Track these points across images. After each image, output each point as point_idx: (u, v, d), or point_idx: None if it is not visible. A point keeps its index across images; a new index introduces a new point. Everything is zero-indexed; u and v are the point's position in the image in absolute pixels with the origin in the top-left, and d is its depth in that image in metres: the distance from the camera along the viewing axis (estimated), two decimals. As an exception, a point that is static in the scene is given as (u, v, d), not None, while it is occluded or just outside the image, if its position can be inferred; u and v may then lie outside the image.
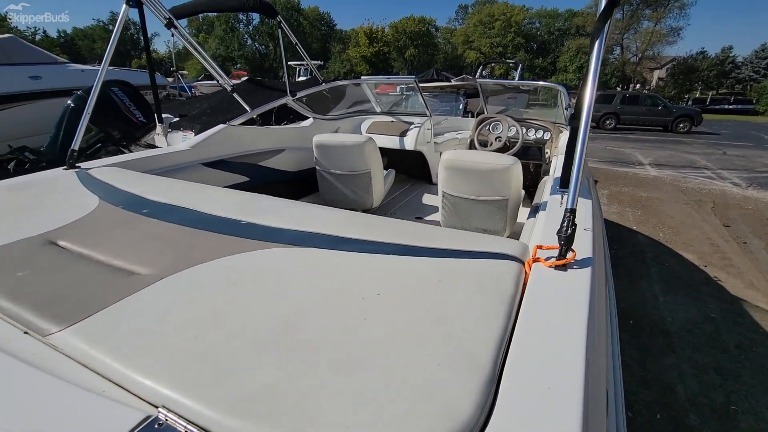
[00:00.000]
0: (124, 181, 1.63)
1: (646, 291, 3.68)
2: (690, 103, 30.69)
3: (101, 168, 1.85)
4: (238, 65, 45.61)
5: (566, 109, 2.91)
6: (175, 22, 2.10)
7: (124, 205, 1.35)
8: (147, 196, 1.45)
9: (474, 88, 3.67)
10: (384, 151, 4.15)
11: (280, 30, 4.67)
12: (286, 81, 4.05)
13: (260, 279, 0.91)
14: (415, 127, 3.75)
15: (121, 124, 4.05)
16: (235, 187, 2.64)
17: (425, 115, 3.88)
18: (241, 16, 46.04)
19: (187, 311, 0.79)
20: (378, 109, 4.19)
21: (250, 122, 2.89)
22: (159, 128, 4.16)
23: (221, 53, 43.59)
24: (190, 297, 0.84)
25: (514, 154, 3.22)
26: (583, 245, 1.04)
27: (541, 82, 3.44)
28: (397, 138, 3.74)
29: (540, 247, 1.01)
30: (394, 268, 0.96)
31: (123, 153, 3.92)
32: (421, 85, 6.92)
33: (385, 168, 4.67)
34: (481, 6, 49.38)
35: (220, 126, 2.64)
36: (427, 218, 3.33)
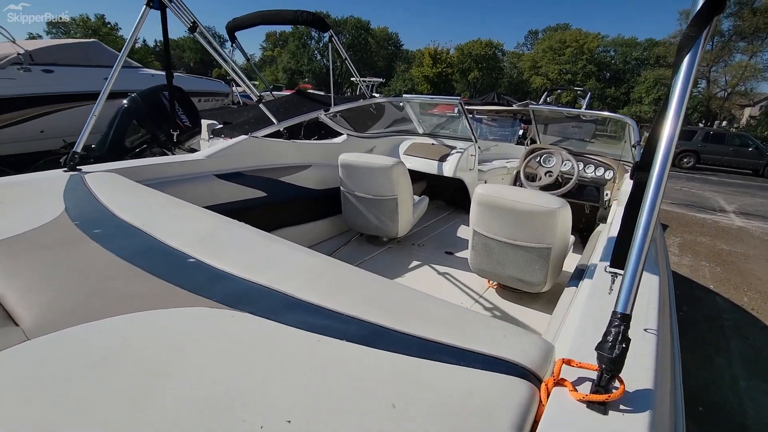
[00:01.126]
0: (107, 191, 1.49)
1: (724, 371, 3.01)
2: (788, 145, 27.18)
3: (99, 173, 1.74)
4: (306, 79, 47.88)
5: (634, 147, 2.46)
6: (200, 26, 2.01)
7: (82, 220, 1.19)
8: (115, 211, 1.28)
9: (538, 114, 3.29)
10: (421, 176, 3.87)
11: (330, 44, 4.61)
12: (332, 95, 3.92)
13: (151, 360, 0.66)
14: (457, 152, 3.43)
15: (166, 127, 4.13)
16: (250, 202, 2.49)
17: (470, 140, 3.55)
18: (313, 33, 48.51)
19: (19, 411, 0.55)
20: (420, 130, 3.92)
21: (277, 135, 2.75)
22: (204, 133, 4.20)
23: (291, 66, 46.07)
24: (38, 380, 0.60)
25: (566, 194, 2.79)
26: (641, 368, 0.68)
27: (606, 113, 2.99)
28: (436, 162, 3.44)
29: (569, 363, 0.66)
30: (337, 363, 0.66)
31: (165, 155, 3.99)
32: (473, 107, 6.54)
33: (421, 193, 4.37)
34: (552, 32, 48.06)
35: (242, 137, 2.52)
36: (458, 254, 2.97)
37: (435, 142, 3.73)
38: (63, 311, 0.76)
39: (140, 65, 7.49)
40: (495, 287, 2.49)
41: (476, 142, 3.56)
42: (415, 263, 2.81)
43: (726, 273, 5.08)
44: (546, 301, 2.38)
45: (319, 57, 49.76)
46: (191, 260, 0.99)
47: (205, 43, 2.05)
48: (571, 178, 2.73)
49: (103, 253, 0.99)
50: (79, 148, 1.77)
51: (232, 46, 5.65)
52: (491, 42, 47.70)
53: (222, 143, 2.41)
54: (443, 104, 3.50)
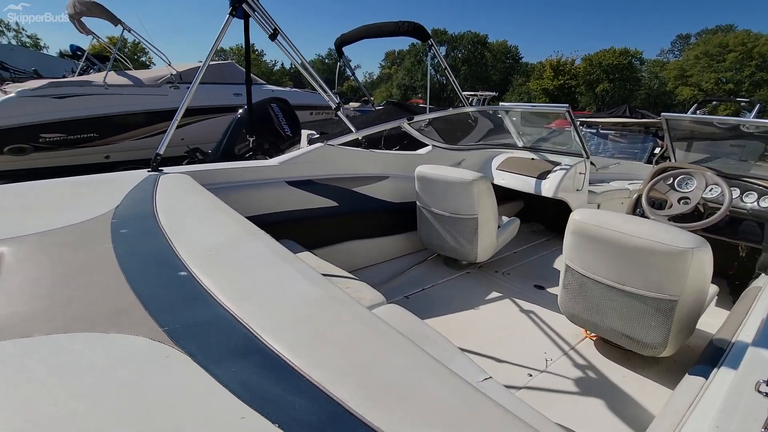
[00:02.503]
0: (166, 191, 1.52)
1: None
2: None
3: (174, 174, 1.83)
4: (419, 94, 48.94)
5: None
6: (281, 32, 2.02)
7: (120, 219, 1.19)
8: (158, 211, 1.27)
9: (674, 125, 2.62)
10: (517, 195, 3.41)
11: (429, 53, 4.46)
12: (427, 106, 3.76)
13: (26, 391, 0.52)
14: (561, 168, 2.91)
15: (270, 136, 4.44)
16: (319, 211, 2.42)
17: (580, 156, 3.00)
18: (428, 49, 49.39)
19: None
20: (520, 143, 3.47)
21: (357, 145, 2.65)
22: (303, 142, 4.39)
23: (405, 83, 47.51)
24: None
25: (709, 228, 2.11)
26: None
27: None
28: (534, 180, 2.97)
29: None
30: None
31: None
32: (593, 119, 5.78)
33: (515, 214, 3.87)
34: (710, 35, 40.76)
35: (317, 144, 2.47)
36: (551, 290, 2.48)
37: (536, 157, 3.25)
38: (16, 318, 0.69)
39: (264, 82, 8.37)
40: (594, 339, 1.97)
41: (588, 157, 2.99)
42: (494, 294, 2.42)
43: None
44: (667, 368, 1.79)
45: (433, 72, 50.51)
46: (182, 273, 0.87)
47: (285, 50, 2.06)
48: (719, 208, 2.03)
49: (106, 257, 0.94)
50: (161, 150, 1.89)
51: (340, 60, 5.93)
52: (627, 50, 42.51)
53: (298, 150, 2.40)
54: (547, 111, 3.01)
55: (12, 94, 5.27)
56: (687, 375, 1.15)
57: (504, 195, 3.57)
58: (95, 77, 6.09)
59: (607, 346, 1.91)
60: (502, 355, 1.84)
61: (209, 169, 2.01)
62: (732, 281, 2.55)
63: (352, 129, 2.61)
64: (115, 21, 6.08)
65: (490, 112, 3.51)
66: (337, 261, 2.57)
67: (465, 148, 3.30)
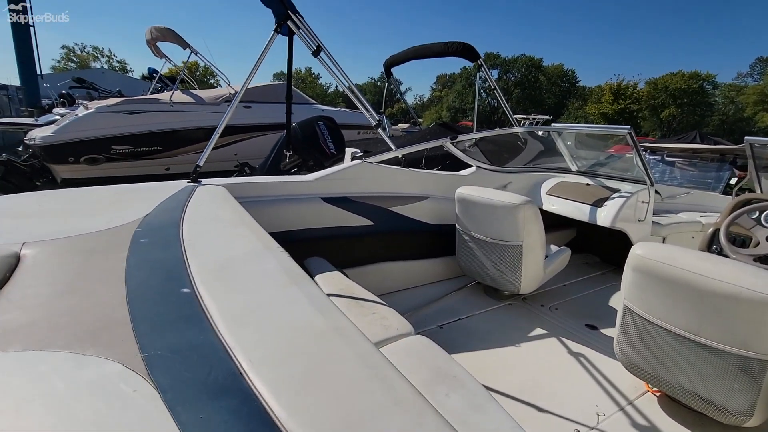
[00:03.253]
0: (199, 202, 1.52)
1: None
2: None
3: (211, 186, 1.84)
4: (469, 117, 48.65)
5: None
6: (324, 48, 2.02)
7: (146, 227, 1.18)
8: (184, 222, 1.25)
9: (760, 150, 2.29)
10: (569, 223, 3.14)
11: (478, 73, 4.36)
12: (474, 126, 3.64)
13: None
14: (621, 196, 2.64)
15: (316, 153, 4.51)
16: (354, 230, 2.35)
17: (643, 183, 2.71)
18: (480, 73, 49.31)
19: None
20: (574, 167, 3.22)
21: (395, 163, 2.58)
22: (347, 159, 4.42)
23: (456, 105, 47.50)
24: None
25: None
26: None
27: None
28: (588, 207, 2.71)
29: None
30: None
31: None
32: (658, 144, 5.42)
33: (566, 244, 3.56)
34: (795, 57, 37.10)
35: (355, 161, 2.43)
36: (606, 332, 2.20)
37: (591, 182, 2.99)
38: (7, 330, 0.65)
39: (315, 102, 8.67)
40: (658, 394, 1.69)
41: (652, 184, 2.69)
42: (539, 331, 2.19)
43: None
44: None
45: (484, 95, 50.15)
46: (185, 290, 0.81)
47: (328, 66, 2.06)
48: None
49: (116, 267, 0.91)
50: (201, 162, 1.92)
51: (388, 81, 5.99)
52: (697, 73, 39.68)
53: (335, 167, 2.37)
54: (606, 134, 2.76)
55: (92, 110, 5.84)
56: None
57: (554, 222, 3.31)
58: (163, 96, 6.62)
59: (674, 405, 1.62)
60: (544, 404, 1.62)
61: (245, 182, 2.02)
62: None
63: (392, 147, 2.54)
64: (184, 45, 6.62)
65: (541, 133, 3.31)
66: (369, 282, 2.47)
67: (512, 170, 3.11)
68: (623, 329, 1.57)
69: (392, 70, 5.54)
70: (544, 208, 2.97)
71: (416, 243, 2.60)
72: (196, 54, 6.63)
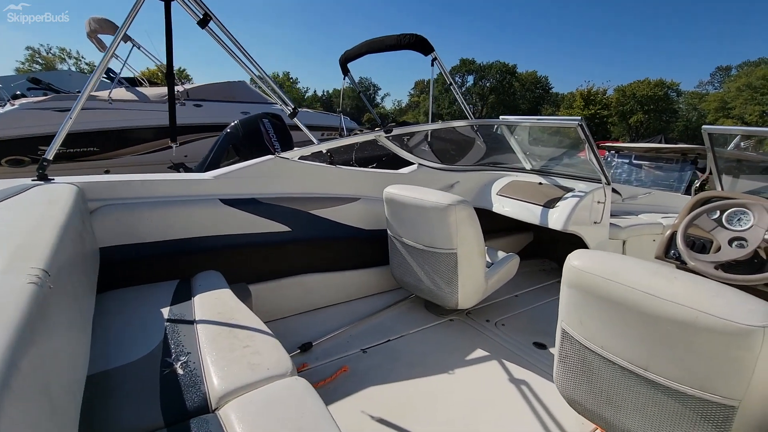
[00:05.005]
0: (14, 205, 1.14)
1: None
2: None
3: (57, 185, 1.46)
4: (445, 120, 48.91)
5: None
6: (215, 18, 1.67)
7: None
8: None
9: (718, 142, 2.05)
10: (526, 224, 2.88)
11: (432, 68, 4.09)
12: (429, 123, 3.34)
13: None
14: (574, 196, 2.38)
15: (258, 152, 4.12)
16: (264, 237, 1.99)
17: (598, 181, 2.46)
18: (456, 78, 49.93)
19: None
20: (528, 165, 2.96)
21: (319, 160, 2.24)
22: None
23: (433, 110, 47.80)
24: None
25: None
26: None
27: None
28: (540, 209, 2.44)
29: None
30: None
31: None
32: (624, 144, 5.28)
33: (522, 250, 3.28)
34: (752, 67, 38.96)
35: (267, 157, 2.08)
36: (554, 350, 1.91)
37: (544, 181, 2.72)
38: None
39: (275, 101, 8.25)
40: None
41: (608, 183, 2.44)
42: (479, 353, 1.87)
43: None
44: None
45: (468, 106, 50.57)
46: None
47: (220, 40, 1.71)
48: None
49: None
50: (49, 155, 1.53)
51: (344, 78, 5.67)
52: (663, 81, 41.17)
53: (239, 164, 2.01)
54: (555, 126, 2.50)
55: (15, 106, 5.27)
56: None
57: (510, 225, 3.04)
58: (102, 93, 6.08)
59: None
60: (471, 452, 1.30)
61: (114, 181, 1.63)
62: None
63: (313, 139, 2.20)
64: (125, 38, 6.12)
65: (496, 129, 3.04)
66: (286, 298, 2.11)
67: (459, 169, 2.81)
68: (562, 358, 1.27)
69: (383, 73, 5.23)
70: (495, 210, 2.69)
71: (345, 251, 2.26)
72: (138, 48, 6.13)
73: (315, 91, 58.86)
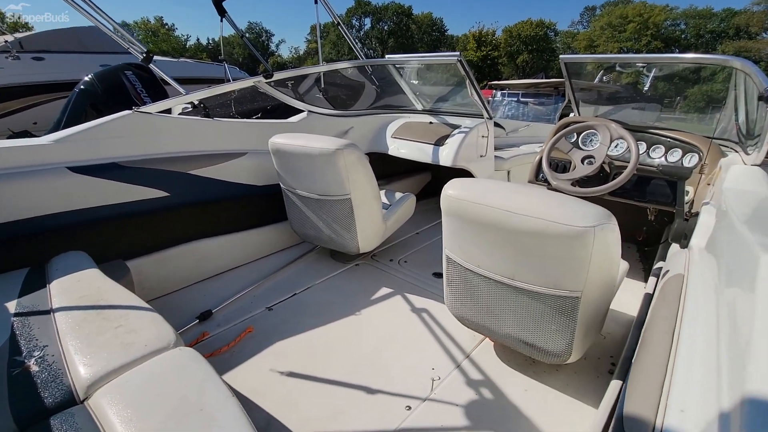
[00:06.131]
0: None
1: None
2: None
3: None
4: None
5: (764, 98, 1.32)
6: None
7: None
8: None
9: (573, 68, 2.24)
10: (423, 166, 2.97)
11: (315, 5, 3.81)
12: (321, 67, 3.12)
13: None
14: (460, 132, 2.49)
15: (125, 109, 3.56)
16: (137, 206, 1.76)
17: (480, 116, 2.60)
18: (354, 21, 47.90)
19: None
20: (419, 106, 3.01)
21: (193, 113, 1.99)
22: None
23: (333, 56, 45.65)
24: None
25: (616, 191, 1.79)
26: None
27: (689, 55, 1.87)
28: (431, 147, 2.52)
29: None
30: None
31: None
32: (507, 82, 5.50)
33: (421, 190, 3.44)
34: (612, 7, 43.68)
35: (123, 113, 1.79)
36: None
37: (435, 121, 2.80)
38: None
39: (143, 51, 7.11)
40: (494, 342, 1.59)
41: (490, 117, 2.59)
42: (384, 291, 1.96)
43: None
44: (575, 371, 1.44)
45: (360, 45, 48.99)
46: None
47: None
48: (626, 167, 1.73)
49: None
50: None
51: (221, 20, 5.01)
52: (542, 22, 44.30)
53: (84, 124, 1.69)
54: (435, 62, 2.53)
55: None
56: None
57: (410, 167, 3.11)
58: None
59: (508, 350, 1.53)
60: (377, 382, 1.39)
61: None
62: (641, 247, 2.34)
63: (180, 89, 1.93)
64: None
65: (383, 69, 2.98)
66: (179, 269, 1.94)
67: (352, 114, 2.75)
68: (449, 281, 1.38)
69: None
70: (390, 153, 2.72)
71: (239, 211, 2.12)
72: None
73: (198, 39, 52.01)
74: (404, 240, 2.53)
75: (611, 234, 1.00)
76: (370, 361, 1.50)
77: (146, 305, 1.16)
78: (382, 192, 2.35)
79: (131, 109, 1.83)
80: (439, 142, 2.51)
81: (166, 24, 44.58)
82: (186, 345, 1.33)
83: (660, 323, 0.86)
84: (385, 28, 47.26)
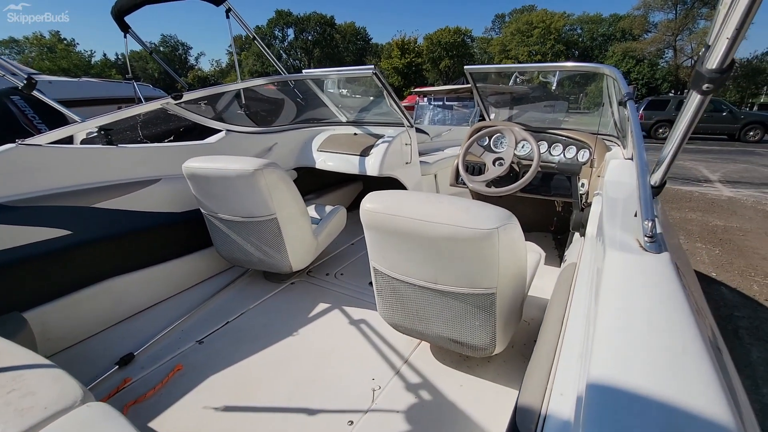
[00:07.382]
0: None
1: (750, 393, 2.23)
2: (756, 108, 27.17)
3: None
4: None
5: (623, 103, 1.56)
6: None
7: None
8: None
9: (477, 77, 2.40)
10: (351, 177, 3.00)
11: (228, 20, 3.69)
12: (239, 85, 3.01)
13: None
14: (384, 142, 2.56)
15: (11, 139, 3.17)
16: (36, 247, 1.58)
17: (401, 125, 2.69)
18: (276, 32, 47.05)
19: None
20: (343, 118, 3.04)
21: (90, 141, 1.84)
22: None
23: (257, 69, 44.41)
24: None
25: (525, 188, 1.95)
26: None
27: (570, 63, 2.12)
28: (357, 158, 2.57)
29: None
30: None
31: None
32: (428, 89, 5.71)
33: (353, 201, 3.48)
34: (518, 14, 47.57)
35: (4, 147, 1.60)
36: None
37: (359, 131, 2.86)
38: None
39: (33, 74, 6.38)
40: (429, 344, 1.65)
41: (411, 126, 2.70)
42: (322, 307, 1.95)
43: (726, 254, 4.35)
44: (509, 361, 1.55)
45: (285, 56, 48.20)
46: None
47: None
48: (530, 166, 1.90)
49: None
50: None
51: (125, 36, 4.67)
52: (459, 29, 46.92)
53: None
54: (351, 75, 2.58)
55: None
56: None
57: (340, 179, 3.13)
58: None
59: (442, 350, 1.60)
60: (318, 401, 1.37)
61: None
62: (555, 236, 2.57)
63: (73, 117, 1.78)
64: None
65: (304, 83, 2.97)
66: (91, 312, 1.76)
67: (275, 130, 2.71)
68: (379, 291, 1.41)
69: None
70: (318, 166, 2.72)
71: (158, 241, 1.98)
72: None
73: (105, 55, 47.70)
74: (340, 252, 2.53)
75: (514, 232, 1.10)
76: (310, 380, 1.48)
77: (46, 361, 1.05)
78: (311, 207, 2.34)
79: (14, 141, 1.64)
80: (365, 153, 2.56)
81: (65, 39, 40.23)
82: (103, 397, 1.23)
83: (554, 310, 0.97)
84: (309, 38, 47.06)
